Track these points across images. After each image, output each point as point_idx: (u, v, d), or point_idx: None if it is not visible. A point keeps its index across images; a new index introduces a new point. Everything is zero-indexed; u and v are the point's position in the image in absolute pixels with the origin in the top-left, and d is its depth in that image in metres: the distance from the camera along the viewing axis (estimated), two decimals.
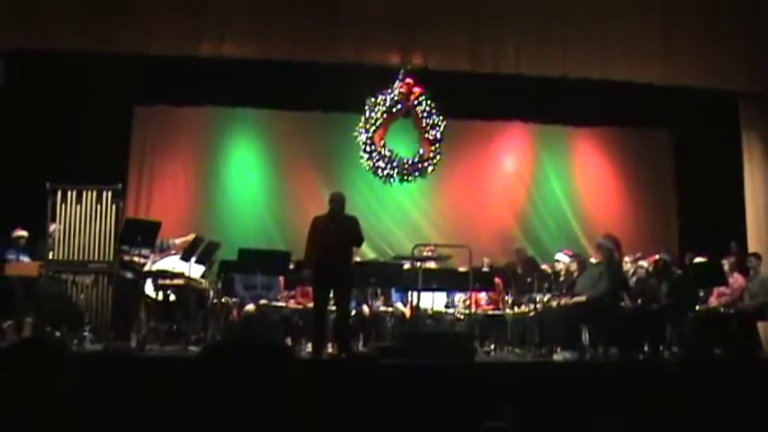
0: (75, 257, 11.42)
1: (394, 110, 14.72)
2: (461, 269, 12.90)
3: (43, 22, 13.37)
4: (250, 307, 12.59)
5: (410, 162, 14.78)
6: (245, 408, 3.94)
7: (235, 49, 14.13)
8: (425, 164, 14.83)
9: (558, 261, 13.85)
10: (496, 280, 13.49)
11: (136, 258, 12.32)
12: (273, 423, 3.94)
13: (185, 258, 11.85)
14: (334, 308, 11.27)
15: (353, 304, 12.15)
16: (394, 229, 16.18)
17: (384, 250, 15.56)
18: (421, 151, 14.84)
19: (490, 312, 13.71)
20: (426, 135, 14.81)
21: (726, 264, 13.37)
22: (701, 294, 13.39)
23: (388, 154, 14.68)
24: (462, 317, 13.44)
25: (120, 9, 13.52)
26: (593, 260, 13.05)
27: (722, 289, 13.32)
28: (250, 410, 3.94)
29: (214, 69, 14.37)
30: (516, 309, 13.50)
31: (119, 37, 13.51)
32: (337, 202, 11.29)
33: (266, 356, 4.14)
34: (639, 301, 12.91)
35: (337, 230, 11.07)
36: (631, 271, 13.70)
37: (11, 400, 4.24)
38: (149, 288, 12.27)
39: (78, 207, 11.46)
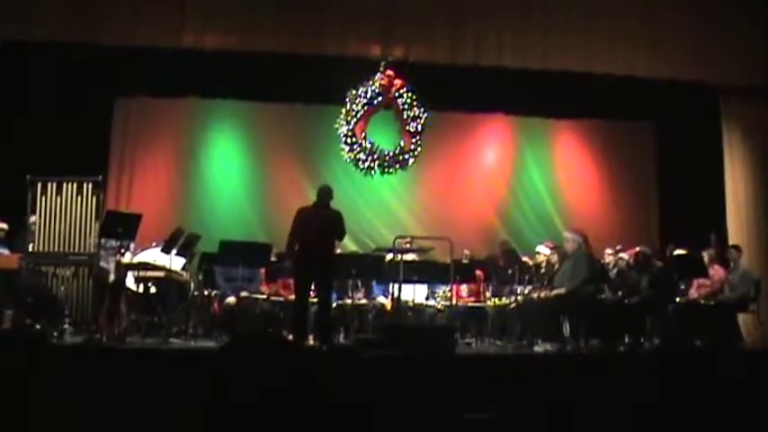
0: (56, 249, 11.36)
1: (375, 102, 14.72)
2: (442, 261, 12.92)
3: (22, 12, 13.31)
4: (231, 299, 12.59)
5: (391, 154, 14.79)
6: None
7: (217, 40, 14.12)
8: (406, 156, 14.85)
9: (538, 253, 13.88)
10: (477, 272, 13.49)
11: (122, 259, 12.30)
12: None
13: (166, 250, 11.80)
14: (315, 300, 11.26)
15: (335, 296, 12.15)
16: (375, 221, 16.17)
17: (365, 242, 15.54)
18: (402, 143, 14.85)
19: (471, 304, 13.72)
20: (407, 127, 14.82)
21: (706, 255, 13.43)
22: (682, 286, 13.44)
23: (369, 146, 14.68)
24: (443, 309, 13.44)
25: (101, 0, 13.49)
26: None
27: (702, 281, 13.39)
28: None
29: (196, 61, 14.34)
30: (497, 301, 13.51)
31: (100, 28, 13.47)
32: (325, 195, 11.29)
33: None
34: (620, 293, 12.95)
35: (320, 223, 11.07)
36: (612, 263, 13.74)
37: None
38: (130, 280, 12.23)
39: (58, 199, 11.40)
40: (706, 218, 15.34)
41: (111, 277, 11.96)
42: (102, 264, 11.75)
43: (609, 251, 14.06)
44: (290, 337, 10.89)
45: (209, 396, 4.26)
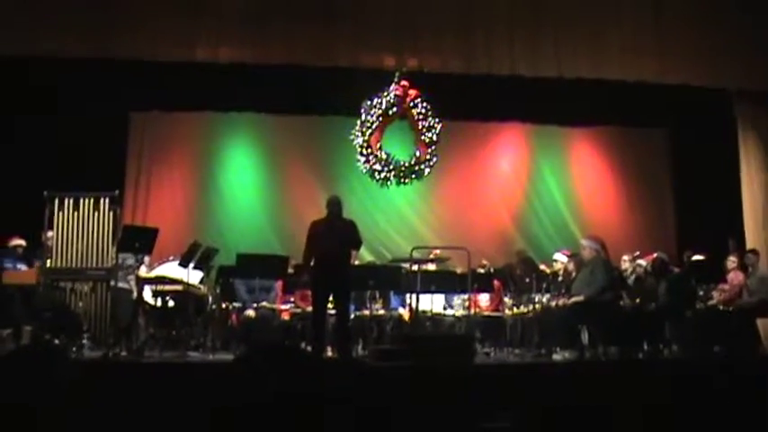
0: (73, 265, 11.38)
1: (390, 112, 14.73)
2: (459, 271, 12.91)
3: (40, 28, 13.36)
4: (249, 312, 12.60)
5: (407, 164, 14.79)
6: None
7: (231, 53, 14.14)
8: (422, 166, 14.84)
9: (556, 261, 13.85)
10: (495, 281, 13.47)
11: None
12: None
13: (183, 264, 11.81)
14: (333, 311, 11.25)
15: (352, 308, 12.13)
16: (391, 231, 16.18)
17: (382, 253, 15.55)
18: (417, 153, 14.85)
19: (489, 313, 13.71)
20: (422, 137, 14.82)
21: (734, 262, 13.43)
22: (701, 293, 13.40)
23: (384, 157, 14.69)
24: (461, 318, 13.42)
25: (116, 15, 13.52)
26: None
27: (721, 286, 13.36)
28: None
29: (210, 74, 14.37)
30: (515, 309, 13.49)
31: (115, 43, 13.51)
32: (335, 205, 11.24)
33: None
34: (638, 299, 12.91)
35: (335, 234, 11.02)
36: (630, 270, 13.71)
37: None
38: (148, 294, 12.25)
39: (75, 214, 11.39)
40: (723, 223, 15.28)
41: (134, 295, 12.02)
42: (121, 283, 11.76)
43: (626, 258, 14.02)
44: (309, 348, 10.89)
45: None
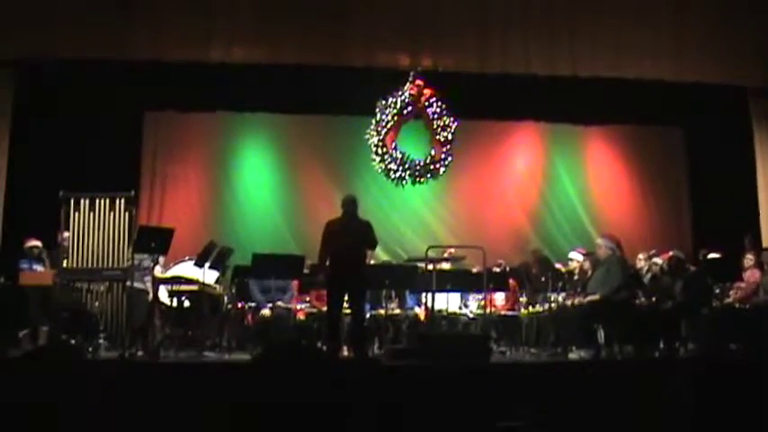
0: (89, 265, 11.40)
1: (405, 112, 14.72)
2: (475, 270, 12.88)
3: (54, 30, 13.43)
4: (265, 312, 12.60)
5: (422, 164, 14.77)
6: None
7: (244, 53, 14.19)
8: (437, 165, 14.82)
9: (571, 260, 13.80)
10: (511, 280, 13.44)
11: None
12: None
13: (199, 264, 11.81)
14: (349, 311, 11.25)
15: (368, 307, 12.12)
16: (407, 231, 16.16)
17: (397, 252, 15.54)
18: (432, 152, 14.84)
19: (505, 312, 13.68)
20: (438, 136, 14.80)
21: (751, 260, 13.37)
22: (717, 291, 13.35)
23: (399, 156, 14.67)
24: (477, 317, 13.40)
25: (129, 16, 13.58)
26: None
27: (738, 284, 13.31)
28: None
29: (224, 74, 14.42)
30: (531, 308, 13.47)
31: (129, 43, 13.58)
32: (350, 205, 11.23)
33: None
34: (654, 298, 12.87)
35: (351, 234, 11.02)
36: (645, 268, 13.66)
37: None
38: (163, 295, 12.26)
39: (91, 215, 11.40)
40: (739, 220, 15.23)
41: (150, 295, 12.02)
42: (138, 284, 11.75)
43: (642, 256, 13.96)
44: (324, 348, 10.89)
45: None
